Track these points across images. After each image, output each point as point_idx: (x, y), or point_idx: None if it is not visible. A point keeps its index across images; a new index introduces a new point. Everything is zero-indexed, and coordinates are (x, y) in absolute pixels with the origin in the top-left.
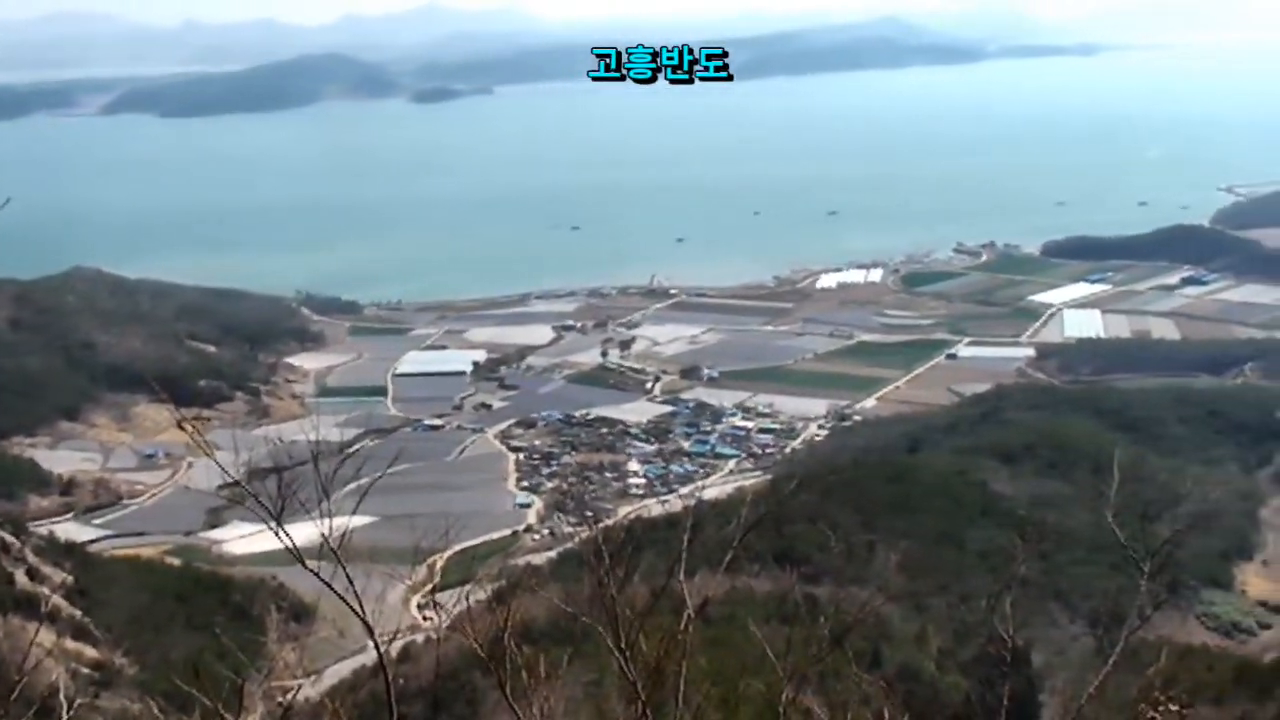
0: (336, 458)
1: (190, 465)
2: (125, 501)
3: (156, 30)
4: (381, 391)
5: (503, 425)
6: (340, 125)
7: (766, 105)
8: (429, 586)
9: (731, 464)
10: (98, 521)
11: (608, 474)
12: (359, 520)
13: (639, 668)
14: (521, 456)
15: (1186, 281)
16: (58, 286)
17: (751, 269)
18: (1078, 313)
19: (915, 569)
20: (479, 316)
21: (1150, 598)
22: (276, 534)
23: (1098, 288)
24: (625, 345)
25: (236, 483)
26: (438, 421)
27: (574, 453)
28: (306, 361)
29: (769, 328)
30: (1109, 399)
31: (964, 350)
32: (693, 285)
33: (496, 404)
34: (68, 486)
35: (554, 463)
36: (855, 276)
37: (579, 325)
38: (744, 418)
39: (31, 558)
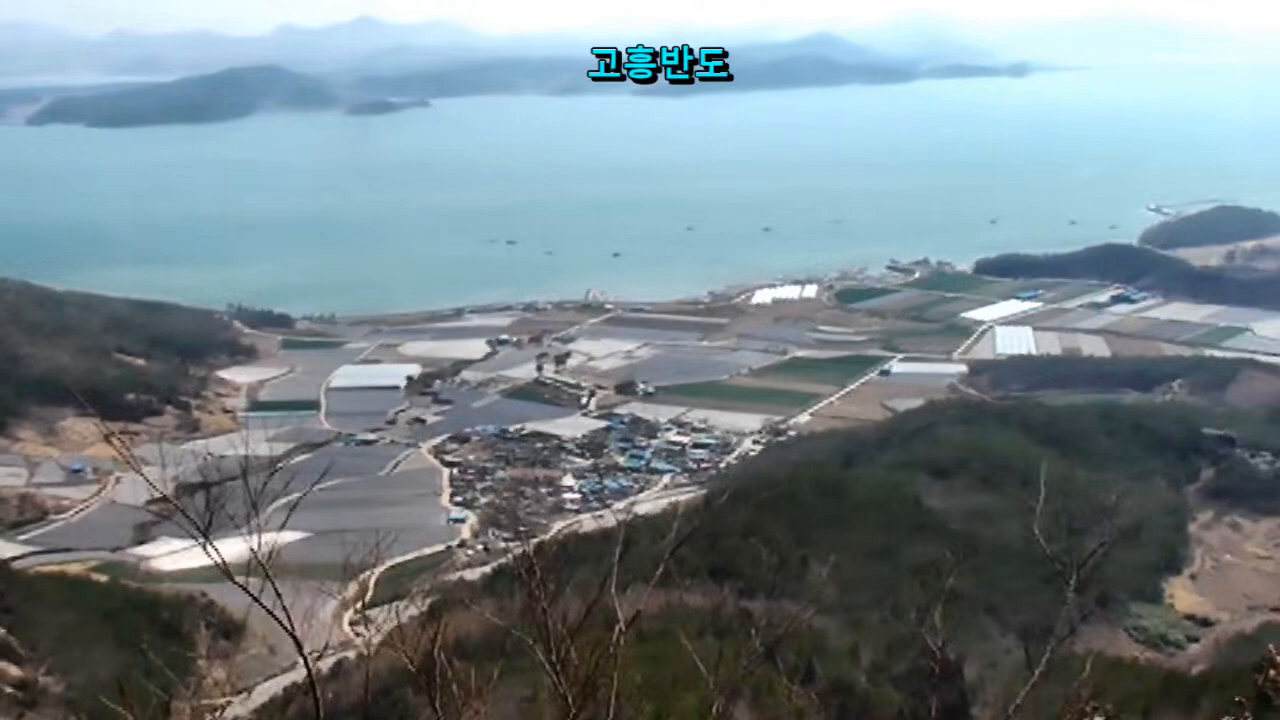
0: (266, 472)
1: (118, 480)
2: (51, 517)
3: (86, 41)
4: (314, 406)
5: (437, 440)
6: (275, 137)
7: (701, 121)
8: (360, 602)
9: (666, 479)
10: (22, 538)
11: (542, 489)
12: (289, 536)
13: (571, 682)
14: (455, 471)
15: (1116, 299)
16: None
17: (687, 285)
18: (1009, 330)
19: (849, 583)
20: (413, 331)
21: (1077, 610)
22: (205, 550)
23: (1029, 305)
24: (560, 360)
25: (165, 498)
26: (371, 436)
27: (508, 468)
28: (238, 375)
29: (704, 343)
30: (1039, 415)
31: (897, 366)
32: (628, 300)
33: (430, 419)
34: None
35: (488, 478)
36: (790, 292)
37: (514, 340)
38: (679, 433)
39: None
